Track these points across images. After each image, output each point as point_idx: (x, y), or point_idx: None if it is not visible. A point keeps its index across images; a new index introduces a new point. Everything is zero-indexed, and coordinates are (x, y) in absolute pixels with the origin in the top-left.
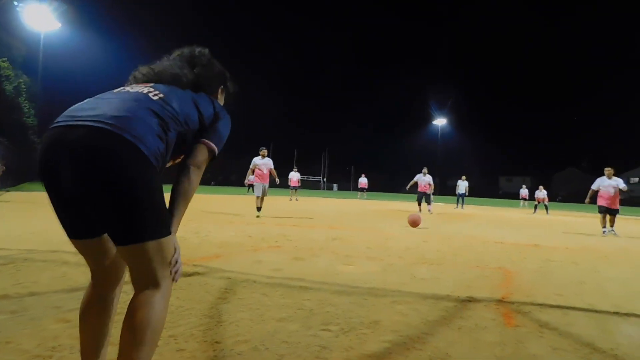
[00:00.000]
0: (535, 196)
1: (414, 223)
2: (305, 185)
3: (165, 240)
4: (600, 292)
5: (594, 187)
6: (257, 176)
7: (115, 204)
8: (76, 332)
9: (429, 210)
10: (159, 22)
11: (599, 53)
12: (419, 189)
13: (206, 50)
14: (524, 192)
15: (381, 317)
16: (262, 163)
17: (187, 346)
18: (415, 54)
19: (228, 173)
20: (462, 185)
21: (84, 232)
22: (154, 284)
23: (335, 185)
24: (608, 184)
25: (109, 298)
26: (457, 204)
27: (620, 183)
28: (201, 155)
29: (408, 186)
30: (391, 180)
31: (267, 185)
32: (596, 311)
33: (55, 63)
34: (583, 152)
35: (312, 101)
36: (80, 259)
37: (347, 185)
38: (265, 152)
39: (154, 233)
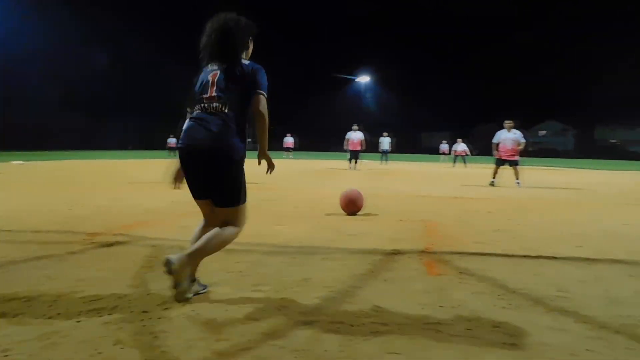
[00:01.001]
0: (453, 149)
1: (351, 205)
2: None
3: (245, 204)
4: (513, 238)
5: (494, 140)
6: None
7: (223, 188)
8: None
9: (357, 168)
10: None
11: (510, 10)
12: (350, 147)
13: (233, 16)
14: (444, 147)
15: (312, 274)
16: None
17: (111, 319)
18: (340, 14)
19: (146, 135)
20: (385, 142)
21: (203, 196)
22: (234, 225)
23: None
24: (506, 137)
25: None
26: (381, 160)
27: (519, 137)
28: (260, 102)
29: (345, 146)
30: (320, 138)
31: None
32: (510, 256)
33: None
34: (497, 108)
35: None
36: None
37: (273, 145)
38: None
39: (239, 201)
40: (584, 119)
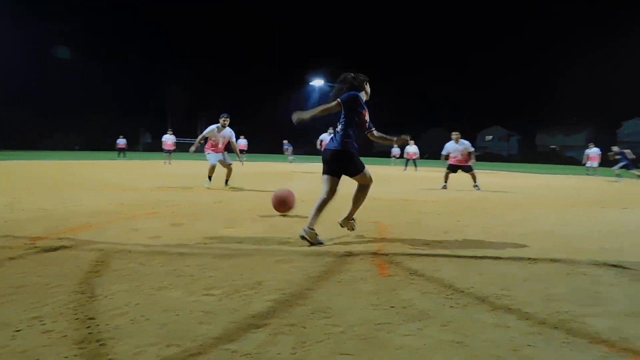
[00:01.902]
0: (406, 151)
1: (282, 205)
2: (183, 147)
3: (366, 169)
4: (461, 239)
5: (444, 152)
6: (212, 147)
7: (350, 168)
8: None
9: None
10: None
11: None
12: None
13: (350, 76)
14: (395, 150)
15: (265, 277)
16: (220, 135)
17: (55, 326)
18: (295, 21)
19: (94, 136)
20: None
21: (334, 174)
22: (370, 184)
23: None
24: (455, 149)
25: (364, 189)
26: None
27: (468, 146)
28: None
29: (318, 146)
30: (274, 141)
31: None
32: (458, 256)
33: None
34: (446, 113)
35: (180, 58)
36: None
37: (227, 147)
38: (227, 120)
39: (363, 169)
40: (526, 125)
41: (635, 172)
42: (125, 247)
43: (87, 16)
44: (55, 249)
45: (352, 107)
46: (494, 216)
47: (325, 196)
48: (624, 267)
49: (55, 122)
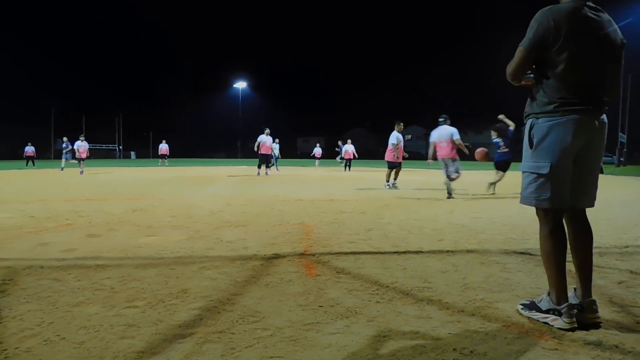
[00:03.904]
0: (345, 150)
1: None
2: (97, 154)
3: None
4: (384, 235)
5: (394, 141)
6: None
7: (507, 167)
8: None
9: (267, 174)
10: None
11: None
12: (262, 151)
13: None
14: (317, 151)
15: (190, 285)
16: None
17: None
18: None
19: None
20: (275, 148)
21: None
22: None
23: (133, 153)
24: (403, 139)
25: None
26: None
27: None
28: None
29: (255, 148)
30: (196, 145)
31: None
32: (381, 252)
33: None
34: (366, 115)
35: (99, 62)
36: None
37: (147, 152)
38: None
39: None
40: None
41: (339, 160)
42: (36, 263)
43: None
44: None
45: None
46: (412, 213)
47: (498, 178)
48: (530, 254)
49: None
